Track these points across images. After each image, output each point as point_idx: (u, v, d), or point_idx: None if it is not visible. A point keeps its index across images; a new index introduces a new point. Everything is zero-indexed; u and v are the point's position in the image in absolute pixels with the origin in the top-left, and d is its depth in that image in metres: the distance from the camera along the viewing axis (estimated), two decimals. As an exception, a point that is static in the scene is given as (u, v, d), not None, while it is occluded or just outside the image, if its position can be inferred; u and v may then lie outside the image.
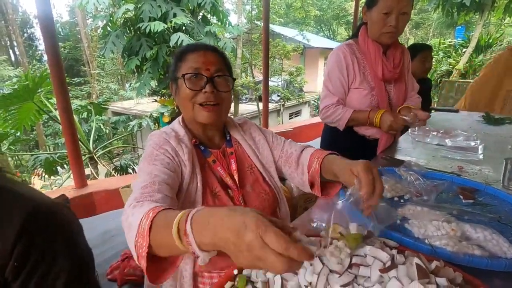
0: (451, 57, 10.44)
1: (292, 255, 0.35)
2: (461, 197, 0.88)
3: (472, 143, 1.38)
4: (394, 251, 0.53)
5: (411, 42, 19.68)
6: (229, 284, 0.56)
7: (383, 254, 0.52)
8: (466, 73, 9.39)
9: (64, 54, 19.11)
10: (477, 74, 9.41)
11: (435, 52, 11.26)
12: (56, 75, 1.98)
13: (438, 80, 9.36)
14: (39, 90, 3.32)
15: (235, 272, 0.58)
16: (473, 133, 1.49)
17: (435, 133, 1.56)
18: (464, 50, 9.80)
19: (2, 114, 3.36)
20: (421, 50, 2.08)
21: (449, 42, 11.39)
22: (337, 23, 24.70)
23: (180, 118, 0.90)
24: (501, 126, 1.82)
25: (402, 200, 0.86)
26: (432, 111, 2.37)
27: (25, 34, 22.05)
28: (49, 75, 3.31)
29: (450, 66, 9.96)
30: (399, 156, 1.33)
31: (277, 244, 0.35)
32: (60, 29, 21.84)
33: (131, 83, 15.28)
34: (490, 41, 9.49)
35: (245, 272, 0.58)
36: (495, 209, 0.82)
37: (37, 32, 23.65)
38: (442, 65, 10.38)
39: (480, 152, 1.30)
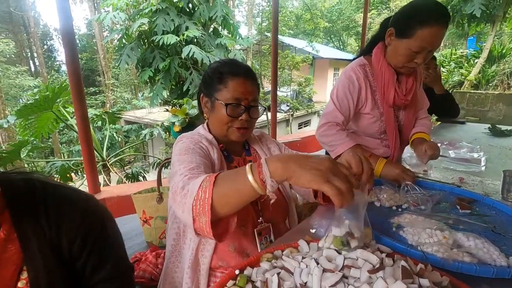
0: (463, 67, 10.34)
1: (352, 182, 0.54)
2: (458, 207, 0.90)
3: (475, 155, 1.39)
4: (383, 255, 0.56)
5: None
6: (231, 282, 0.60)
7: (373, 257, 0.56)
8: (478, 83, 9.26)
9: (81, 64, 19.85)
10: (490, 85, 9.27)
11: (446, 62, 11.17)
12: (75, 85, 2.09)
13: (450, 91, 9.27)
14: (58, 100, 3.49)
15: (237, 272, 0.63)
16: (477, 145, 1.50)
17: (439, 144, 1.57)
18: (476, 60, 9.70)
19: (22, 123, 3.54)
20: None
21: (461, 52, 11.30)
22: (347, 34, 24.87)
23: (205, 125, 0.97)
24: (507, 138, 1.82)
25: (399, 209, 0.89)
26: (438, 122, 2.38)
27: (45, 46, 23.07)
28: (68, 85, 3.49)
29: (462, 77, 9.84)
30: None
31: (346, 172, 0.55)
32: (78, 41, 22.73)
33: (143, 93, 15.70)
34: (504, 51, 9.37)
35: (245, 272, 0.62)
36: (491, 219, 0.84)
37: (56, 44, 24.72)
38: (453, 75, 10.27)
39: (482, 164, 1.31)
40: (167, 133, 4.86)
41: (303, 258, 0.63)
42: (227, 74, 0.88)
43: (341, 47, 24.70)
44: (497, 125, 1.94)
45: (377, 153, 1.28)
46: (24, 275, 0.60)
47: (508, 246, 0.71)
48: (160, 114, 10.82)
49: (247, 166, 0.58)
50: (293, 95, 11.02)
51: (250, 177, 0.56)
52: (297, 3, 20.50)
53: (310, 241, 0.70)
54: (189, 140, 0.86)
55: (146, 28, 5.56)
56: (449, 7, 8.24)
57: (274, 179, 0.54)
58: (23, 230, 0.60)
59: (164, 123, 4.78)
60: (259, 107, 0.93)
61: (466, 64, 10.35)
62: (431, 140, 1.26)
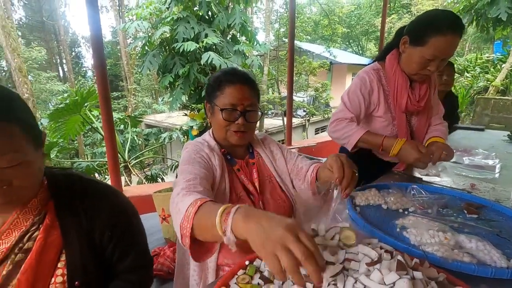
0: (489, 72, 9.94)
1: (316, 255, 0.46)
2: (465, 212, 0.92)
3: (490, 162, 1.38)
4: (382, 250, 0.61)
5: (445, 57, 18.93)
6: (241, 271, 0.66)
7: (373, 252, 0.60)
8: (506, 89, 8.86)
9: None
10: (518, 90, 8.84)
11: (471, 67, 10.78)
12: (102, 90, 2.25)
13: (474, 96, 8.92)
14: (85, 104, 3.71)
15: (247, 262, 0.69)
16: (494, 152, 1.48)
17: (454, 150, 1.57)
18: (503, 65, 9.30)
19: (53, 125, 3.79)
20: None
21: (487, 57, 10.87)
22: (366, 39, 24.55)
23: (210, 131, 1.05)
24: (527, 145, 1.78)
25: (405, 212, 0.92)
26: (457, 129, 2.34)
27: (73, 53, 24.35)
28: (95, 90, 3.71)
29: (488, 82, 9.46)
30: (414, 172, 1.36)
31: (309, 242, 0.47)
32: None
33: (163, 98, 16.17)
34: (532, 56, 8.93)
35: (255, 263, 0.68)
36: (498, 224, 0.85)
37: (83, 51, 26.03)
38: (479, 81, 9.89)
39: (497, 171, 1.31)
40: (186, 136, 5.01)
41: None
42: (225, 82, 0.94)
43: (360, 52, 24.39)
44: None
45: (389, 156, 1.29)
46: (63, 257, 0.69)
47: (512, 250, 0.73)
48: (179, 118, 11.12)
49: (221, 208, 0.56)
50: (310, 100, 11.00)
51: (217, 220, 0.55)
52: (315, 9, 20.52)
53: (313, 237, 0.75)
54: (192, 149, 0.93)
55: (168, 35, 5.78)
56: (472, 11, 7.99)
57: (234, 233, 0.53)
58: (64, 219, 0.70)
59: (182, 127, 4.94)
60: (256, 111, 0.98)
61: (492, 69, 9.96)
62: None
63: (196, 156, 0.90)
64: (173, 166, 4.89)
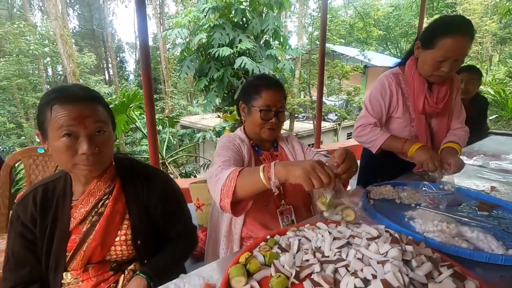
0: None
1: (332, 177, 0.71)
2: (477, 209, 0.97)
3: (518, 167, 1.38)
4: (382, 230, 0.71)
5: (495, 59, 17.50)
6: (263, 243, 0.80)
7: (374, 231, 0.71)
8: None
9: (146, 74, 22.14)
10: None
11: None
12: (147, 93, 2.52)
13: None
14: (130, 105, 4.11)
15: (268, 237, 0.82)
16: (524, 158, 1.47)
17: (481, 155, 1.57)
18: None
19: (102, 124, 4.23)
20: (460, 72, 1.98)
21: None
22: (406, 41, 23.45)
23: (242, 128, 1.24)
24: None
25: (417, 206, 1.00)
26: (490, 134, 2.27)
27: (118, 58, 26.30)
28: (139, 92, 4.09)
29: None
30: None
31: (329, 170, 0.72)
32: (144, 53, 25.43)
33: (197, 100, 16.86)
34: None
35: (275, 238, 0.82)
36: (507, 221, 0.90)
37: (127, 56, 28.03)
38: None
39: (522, 175, 1.30)
40: (218, 137, 5.27)
41: (319, 232, 0.80)
42: (262, 86, 1.12)
43: (399, 54, 23.35)
44: (556, 139, 1.82)
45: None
46: (126, 222, 0.88)
47: (514, 242, 0.78)
48: (212, 120, 11.56)
49: (261, 167, 0.79)
50: (342, 104, 10.84)
51: (261, 174, 0.77)
52: (351, 12, 20.12)
53: (329, 222, 0.87)
54: (227, 139, 1.13)
55: (204, 41, 6.13)
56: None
57: (277, 177, 0.75)
58: (127, 192, 0.89)
59: (215, 128, 5.20)
60: (286, 112, 1.17)
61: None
62: (462, 150, 1.30)
63: (229, 144, 1.09)
64: (205, 165, 5.18)
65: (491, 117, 7.95)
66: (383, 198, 1.06)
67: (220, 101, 6.55)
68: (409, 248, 0.62)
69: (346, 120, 10.13)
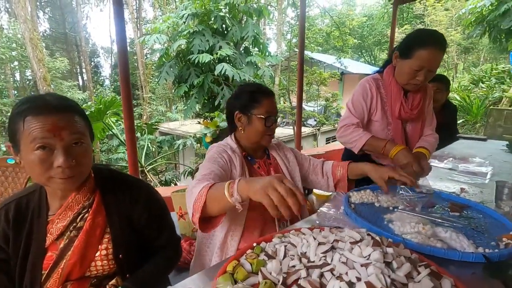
0: (505, 83, 9.80)
1: (296, 192, 0.68)
2: (449, 210, 1.03)
3: (484, 169, 1.48)
4: (364, 234, 0.74)
5: (460, 67, 18.71)
6: (249, 251, 0.81)
7: (357, 235, 0.73)
8: (523, 100, 8.70)
9: (122, 79, 21.56)
10: (537, 102, 8.66)
11: (486, 78, 10.65)
12: (126, 99, 2.46)
13: (489, 107, 8.81)
14: (107, 112, 3.98)
15: (254, 244, 0.83)
16: (488, 161, 1.58)
17: (451, 158, 1.67)
18: (518, 76, 9.18)
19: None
20: (430, 82, 2.09)
21: (503, 67, 10.72)
22: (379, 49, 24.55)
23: (232, 136, 1.22)
24: (524, 155, 1.85)
25: (395, 209, 1.04)
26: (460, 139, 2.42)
27: (92, 63, 25.42)
28: (116, 99, 3.97)
29: (504, 93, 9.33)
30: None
31: (291, 184, 0.69)
32: (121, 58, 24.79)
33: (177, 106, 16.62)
34: (550, 67, 8.79)
35: (261, 245, 0.82)
36: (476, 221, 0.96)
37: (102, 61, 27.19)
38: (494, 91, 9.76)
39: (488, 177, 1.40)
40: (199, 143, 5.22)
41: (304, 237, 0.82)
42: (260, 94, 1.14)
43: (373, 62, 24.36)
44: (516, 143, 1.98)
45: (386, 159, 1.45)
46: (106, 235, 0.85)
47: (483, 241, 0.84)
48: (191, 126, 11.41)
49: (227, 183, 0.77)
50: (320, 110, 11.11)
51: (225, 191, 0.75)
52: (327, 20, 20.81)
53: (313, 228, 0.89)
54: (216, 150, 1.11)
55: (184, 48, 6.10)
56: (484, 22, 8.00)
57: (239, 194, 0.73)
58: (108, 203, 0.87)
59: (196, 135, 5.15)
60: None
61: (508, 80, 9.82)
62: (431, 155, 1.38)
63: (217, 156, 1.08)
64: (186, 172, 5.09)
65: (458, 122, 8.45)
66: (363, 202, 1.10)
67: (200, 107, 6.51)
68: (390, 250, 0.65)
69: (325, 126, 10.38)
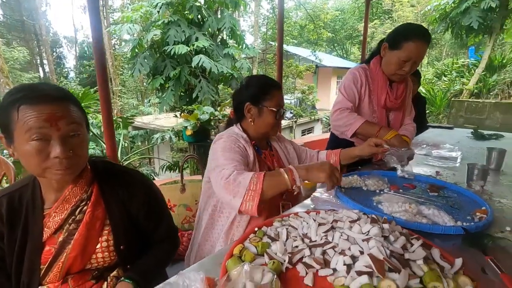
0: (464, 76, 10.55)
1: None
2: (429, 191, 1.13)
3: (454, 154, 1.62)
4: (360, 214, 0.80)
5: (424, 61, 19.83)
6: (252, 235, 0.84)
7: (354, 214, 0.79)
8: (479, 92, 9.45)
9: (89, 71, 20.42)
10: (491, 94, 9.46)
11: (448, 71, 11.40)
12: (104, 93, 2.35)
13: (451, 99, 9.47)
14: (79, 105, 3.77)
15: (256, 229, 0.86)
16: (457, 146, 1.73)
17: (424, 145, 1.81)
18: (476, 70, 9.92)
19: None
20: None
21: (462, 62, 11.52)
22: (350, 43, 25.28)
23: (239, 126, 1.23)
24: (486, 141, 2.05)
25: (381, 192, 1.13)
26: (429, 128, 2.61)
27: (54, 53, 23.70)
28: (90, 92, 3.78)
29: (464, 86, 10.06)
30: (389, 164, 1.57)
31: (339, 172, 0.96)
32: (86, 49, 23.42)
33: (150, 99, 16.07)
34: (504, 61, 9.58)
35: (262, 229, 0.86)
36: (452, 199, 1.07)
37: (65, 51, 25.40)
38: (455, 84, 10.49)
39: (458, 161, 1.54)
40: (178, 137, 5.12)
41: (304, 220, 0.87)
42: (271, 86, 1.17)
43: (345, 55, 25.05)
44: (479, 130, 2.18)
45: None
46: (106, 227, 0.84)
47: (460, 216, 0.94)
48: (167, 120, 11.11)
49: (282, 171, 0.95)
50: (296, 102, 11.30)
51: (286, 176, 0.94)
52: (301, 13, 21.01)
53: (309, 211, 0.94)
54: (230, 140, 1.11)
55: (158, 38, 5.89)
56: (447, 19, 8.52)
57: (300, 178, 0.93)
58: (106, 195, 0.85)
59: (174, 128, 5.04)
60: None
61: (467, 74, 10.57)
62: (412, 142, 1.49)
63: (234, 146, 1.09)
64: (165, 167, 4.98)
65: (424, 113, 9.02)
66: (351, 187, 1.17)
67: (176, 100, 6.36)
68: (386, 226, 0.72)
69: (301, 118, 10.59)
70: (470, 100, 7.46)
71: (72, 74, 23.95)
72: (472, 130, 2.20)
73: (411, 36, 1.32)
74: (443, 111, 9.98)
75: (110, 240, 0.83)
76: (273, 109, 1.15)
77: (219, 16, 6.17)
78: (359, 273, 0.59)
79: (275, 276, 0.61)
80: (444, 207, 0.99)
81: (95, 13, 2.25)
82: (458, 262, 0.65)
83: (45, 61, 21.73)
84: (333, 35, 22.15)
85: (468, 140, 2.12)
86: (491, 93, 9.49)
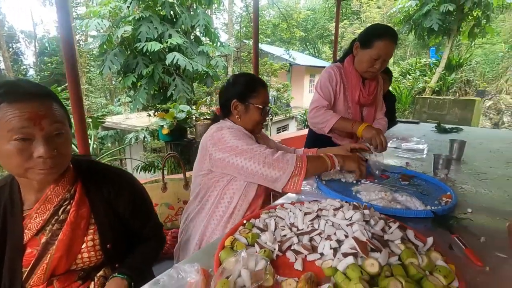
0: (426, 75, 11.29)
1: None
2: (401, 180, 1.22)
3: (421, 146, 1.75)
4: (342, 202, 0.85)
5: (390, 60, 20.87)
6: (241, 227, 0.86)
7: (337, 202, 0.85)
8: (440, 90, 10.17)
9: (51, 69, 19.15)
10: (450, 91, 10.22)
11: (412, 70, 12.12)
12: (74, 91, 2.24)
13: (415, 96, 10.09)
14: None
15: (244, 221, 0.89)
16: (424, 139, 1.87)
17: (395, 139, 1.93)
18: (437, 69, 10.65)
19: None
20: None
21: (425, 61, 12.30)
22: (322, 42, 25.95)
23: (229, 121, 1.23)
24: (448, 134, 2.24)
25: (359, 183, 1.20)
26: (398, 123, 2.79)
27: (11, 49, 21.91)
28: (57, 91, 3.56)
29: (426, 84, 10.76)
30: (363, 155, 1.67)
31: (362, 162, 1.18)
32: (47, 44, 21.91)
33: (119, 99, 15.43)
34: (461, 61, 10.40)
35: (251, 221, 0.89)
36: (422, 187, 1.17)
37: (23, 47, 23.54)
38: (418, 82, 11.19)
39: (425, 152, 1.68)
40: (153, 136, 4.98)
41: (290, 210, 0.91)
42: (258, 84, 1.20)
43: (316, 54, 25.67)
44: (442, 124, 2.37)
45: (345, 140, 1.64)
46: (91, 227, 0.83)
47: (429, 201, 1.03)
48: (139, 120, 10.73)
49: (324, 156, 1.14)
50: (271, 100, 11.43)
51: (327, 160, 1.12)
52: (274, 12, 21.22)
53: (294, 203, 0.98)
54: (234, 130, 1.14)
55: (129, 35, 5.68)
56: (410, 21, 9.05)
57: (339, 164, 1.12)
58: (91, 194, 0.84)
59: (149, 127, 4.90)
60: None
61: (429, 72, 11.32)
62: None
63: (244, 134, 1.14)
64: (139, 167, 4.83)
65: (391, 109, 9.56)
66: (331, 179, 1.24)
67: (149, 99, 6.17)
68: (366, 211, 0.78)
69: (277, 116, 10.72)
70: (432, 97, 8.01)
71: (31, 72, 22.23)
72: (435, 124, 2.39)
73: (381, 36, 1.43)
74: (408, 108, 10.62)
75: (96, 239, 0.82)
76: (259, 106, 1.19)
77: (192, 13, 6.06)
78: (345, 255, 0.64)
79: (268, 262, 0.64)
80: (415, 194, 1.08)
81: (64, 8, 2.14)
82: (430, 240, 0.72)
83: (1, 58, 20.03)
84: (305, 34, 22.62)
85: (432, 133, 2.30)
86: (450, 91, 10.27)
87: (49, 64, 19.79)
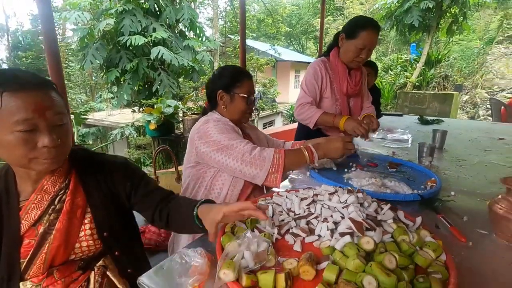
0: (407, 71, 11.63)
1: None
2: (389, 167, 1.28)
3: (405, 137, 1.84)
4: (336, 188, 0.89)
5: (373, 56, 21.33)
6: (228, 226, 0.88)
7: (331, 188, 0.88)
8: (420, 85, 10.52)
9: (26, 64, 18.28)
10: (430, 86, 10.59)
11: (394, 66, 12.45)
12: (59, 88, 2.18)
13: (397, 91, 10.40)
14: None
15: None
16: (407, 130, 1.95)
17: (381, 130, 2.01)
18: (417, 64, 10.99)
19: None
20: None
21: (406, 57, 12.65)
22: (306, 38, 26.12)
23: (217, 113, 1.25)
24: (430, 125, 2.34)
25: (350, 170, 1.25)
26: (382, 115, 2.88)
27: (-19, 44, 20.73)
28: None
29: (407, 79, 11.09)
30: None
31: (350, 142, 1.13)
32: (20, 38, 20.86)
33: (100, 95, 14.99)
34: (439, 57, 10.77)
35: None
36: (408, 173, 1.24)
37: (-4, 41, 22.32)
38: (400, 78, 11.52)
39: (409, 142, 1.75)
40: (139, 132, 4.89)
41: (286, 197, 0.94)
42: (242, 74, 1.22)
43: (301, 50, 25.83)
44: (424, 116, 2.48)
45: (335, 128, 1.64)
46: (88, 215, 0.83)
47: (415, 186, 1.09)
48: (122, 116, 10.48)
49: (302, 148, 1.10)
50: (258, 95, 11.45)
51: (306, 153, 1.08)
52: (258, 7, 21.14)
53: (289, 191, 1.02)
54: (220, 123, 1.14)
55: (111, 28, 5.51)
56: (392, 17, 9.27)
57: (318, 156, 1.08)
58: (86, 183, 0.83)
59: (134, 123, 4.80)
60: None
61: (410, 68, 11.66)
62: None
63: (228, 127, 1.14)
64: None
65: (374, 104, 9.82)
66: (323, 168, 1.28)
67: (132, 94, 6.04)
68: (360, 195, 0.82)
69: (263, 111, 10.76)
70: (413, 92, 8.27)
71: (4, 67, 21.17)
72: (418, 116, 2.49)
73: (365, 27, 1.49)
74: (391, 102, 10.92)
75: (93, 228, 0.82)
76: (244, 95, 1.21)
77: (177, 6, 5.95)
78: (342, 235, 0.68)
79: (270, 244, 0.67)
80: (402, 179, 1.14)
81: (45, 0, 2.06)
82: (419, 220, 0.78)
83: (-31, 52, 18.89)
84: (290, 29, 22.68)
85: (415, 125, 2.40)
86: (430, 86, 10.64)
87: (24, 59, 18.88)
